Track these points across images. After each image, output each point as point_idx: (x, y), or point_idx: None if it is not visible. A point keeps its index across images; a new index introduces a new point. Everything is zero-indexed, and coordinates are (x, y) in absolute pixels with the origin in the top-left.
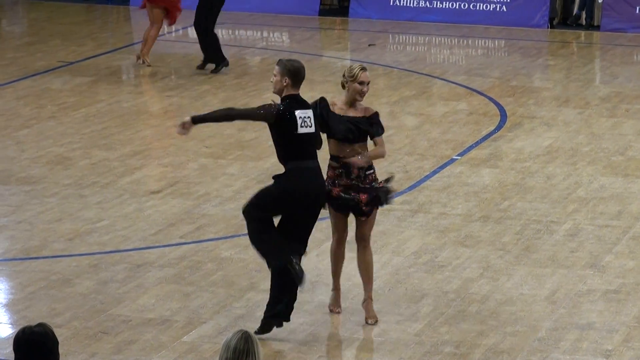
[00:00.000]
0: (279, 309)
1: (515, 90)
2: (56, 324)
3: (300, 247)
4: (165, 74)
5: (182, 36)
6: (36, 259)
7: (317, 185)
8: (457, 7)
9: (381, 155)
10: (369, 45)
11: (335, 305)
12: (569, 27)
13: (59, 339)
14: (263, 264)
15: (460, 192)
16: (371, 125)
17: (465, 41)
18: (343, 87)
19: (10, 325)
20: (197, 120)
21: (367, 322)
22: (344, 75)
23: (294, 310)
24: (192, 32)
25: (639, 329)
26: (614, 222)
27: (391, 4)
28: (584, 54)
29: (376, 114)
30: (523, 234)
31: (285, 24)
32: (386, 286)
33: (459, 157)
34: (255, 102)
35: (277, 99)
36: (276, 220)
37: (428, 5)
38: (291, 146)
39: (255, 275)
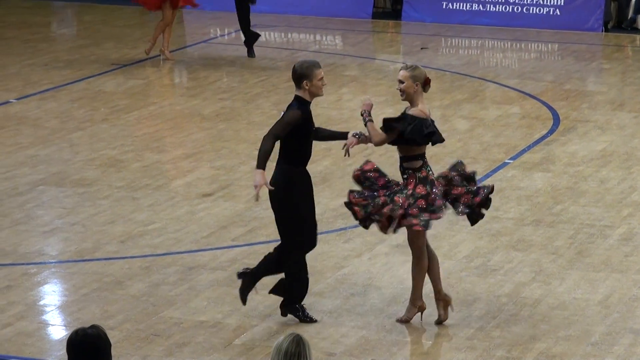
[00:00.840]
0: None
1: (568, 94)
2: (108, 326)
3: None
4: (217, 77)
5: (235, 39)
6: (89, 261)
7: None
8: (510, 10)
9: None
10: (422, 48)
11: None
12: (624, 30)
13: (111, 341)
14: (315, 266)
15: (513, 195)
16: None
17: (518, 44)
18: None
19: (63, 327)
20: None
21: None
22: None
23: (344, 313)
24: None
25: None
26: None
27: (444, 7)
28: (639, 57)
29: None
30: (576, 238)
31: (339, 27)
32: None
33: (511, 161)
34: None
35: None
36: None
37: (481, 9)
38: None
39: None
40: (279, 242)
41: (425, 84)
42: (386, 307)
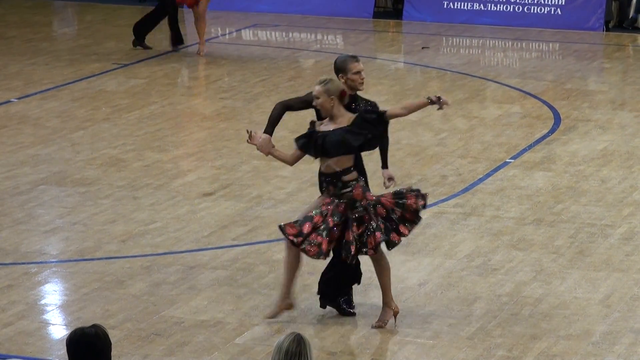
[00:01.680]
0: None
1: (569, 94)
2: (109, 325)
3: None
4: (218, 77)
5: (235, 38)
6: (90, 260)
7: None
8: (511, 9)
9: None
10: (423, 48)
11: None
12: (625, 30)
13: (112, 340)
14: (315, 266)
15: (514, 195)
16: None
17: (519, 44)
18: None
19: (64, 327)
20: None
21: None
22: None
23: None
24: (245, 35)
25: None
26: None
27: (445, 6)
28: None
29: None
30: (577, 238)
31: (340, 27)
32: (438, 289)
33: (512, 160)
34: None
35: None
36: None
37: (482, 8)
38: None
39: (308, 277)
40: (278, 241)
41: (342, 96)
42: None
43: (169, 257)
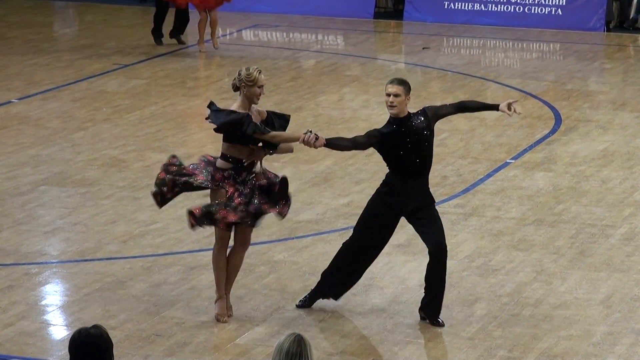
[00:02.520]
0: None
1: (570, 94)
2: (110, 325)
3: None
4: (219, 77)
5: (236, 39)
6: (91, 260)
7: None
8: (511, 10)
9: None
10: (423, 48)
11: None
12: (626, 30)
13: (113, 341)
14: (315, 267)
15: (514, 195)
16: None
17: (519, 44)
18: (236, 89)
19: (65, 327)
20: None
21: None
22: (239, 79)
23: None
24: (246, 35)
25: None
26: None
27: (446, 7)
28: None
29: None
30: (577, 238)
31: (340, 27)
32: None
33: (513, 161)
34: (309, 105)
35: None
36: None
37: (483, 9)
38: None
39: (309, 278)
40: (279, 242)
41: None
42: (387, 307)
43: (169, 257)
